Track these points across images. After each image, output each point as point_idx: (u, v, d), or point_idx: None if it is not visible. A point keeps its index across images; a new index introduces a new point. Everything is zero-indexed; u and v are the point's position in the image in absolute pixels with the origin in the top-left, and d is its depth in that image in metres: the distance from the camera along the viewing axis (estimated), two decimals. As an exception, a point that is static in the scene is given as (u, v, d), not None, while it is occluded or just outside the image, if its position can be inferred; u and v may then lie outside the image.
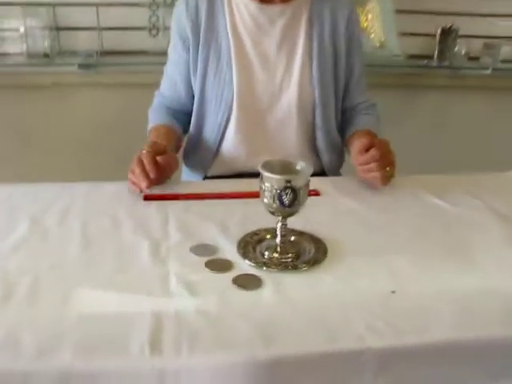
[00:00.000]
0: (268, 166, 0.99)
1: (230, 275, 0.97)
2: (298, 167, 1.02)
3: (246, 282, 0.95)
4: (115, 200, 1.26)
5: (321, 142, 1.54)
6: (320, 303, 0.91)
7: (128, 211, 1.21)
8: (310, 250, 1.06)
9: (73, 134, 2.23)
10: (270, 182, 0.98)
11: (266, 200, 1.00)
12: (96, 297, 0.91)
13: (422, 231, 1.15)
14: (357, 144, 1.34)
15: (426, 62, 2.29)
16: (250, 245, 1.06)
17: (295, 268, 1.00)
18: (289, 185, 0.96)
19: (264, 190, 0.99)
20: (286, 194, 0.97)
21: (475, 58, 2.32)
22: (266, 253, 1.03)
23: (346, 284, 0.96)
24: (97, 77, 2.14)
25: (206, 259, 1.02)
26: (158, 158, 1.26)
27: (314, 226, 1.13)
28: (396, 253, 1.06)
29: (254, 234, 1.10)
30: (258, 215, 1.08)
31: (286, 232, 1.04)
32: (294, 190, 0.97)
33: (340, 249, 1.06)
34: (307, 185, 1.00)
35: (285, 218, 1.02)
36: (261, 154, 1.46)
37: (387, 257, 1.04)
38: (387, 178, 1.28)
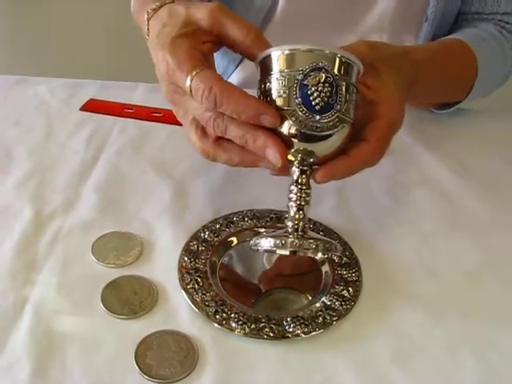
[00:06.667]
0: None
1: (137, 330, 0.48)
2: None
3: (158, 359, 0.45)
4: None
5: None
6: None
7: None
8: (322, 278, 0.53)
9: None
10: (285, 62, 0.47)
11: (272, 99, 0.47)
12: None
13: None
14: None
15: None
16: (206, 252, 0.55)
17: (277, 334, 0.47)
18: (321, 65, 0.46)
19: (268, 81, 0.47)
20: (317, 86, 0.46)
21: None
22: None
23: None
24: None
25: (112, 277, 0.52)
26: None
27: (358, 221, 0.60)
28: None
29: (226, 222, 0.58)
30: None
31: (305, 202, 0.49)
32: (333, 81, 0.46)
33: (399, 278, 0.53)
34: (355, 85, 0.48)
35: (307, 154, 0.48)
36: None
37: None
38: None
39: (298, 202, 0.48)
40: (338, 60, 0.47)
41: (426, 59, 0.64)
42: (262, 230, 0.57)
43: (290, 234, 0.48)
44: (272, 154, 0.46)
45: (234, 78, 0.92)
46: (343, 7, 0.81)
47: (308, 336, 0.47)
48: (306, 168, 0.49)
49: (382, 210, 0.62)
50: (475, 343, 0.48)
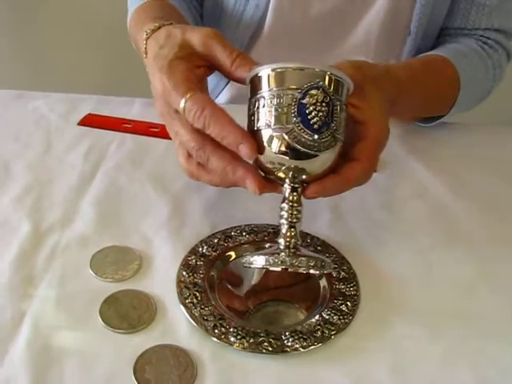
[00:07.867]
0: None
1: (136, 345, 0.48)
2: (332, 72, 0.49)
3: (158, 371, 0.45)
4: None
5: None
6: None
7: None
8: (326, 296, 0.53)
9: None
10: (281, 80, 0.48)
11: (262, 121, 0.48)
12: None
13: None
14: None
15: None
16: (204, 266, 0.55)
17: (275, 347, 0.48)
18: (320, 84, 0.47)
19: (263, 98, 0.48)
20: (315, 105, 0.46)
21: None
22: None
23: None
24: None
25: (110, 291, 0.52)
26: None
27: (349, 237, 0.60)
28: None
29: (224, 237, 0.58)
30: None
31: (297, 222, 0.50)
32: (330, 101, 0.47)
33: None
34: (346, 104, 0.50)
35: (299, 172, 0.48)
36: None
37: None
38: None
39: (290, 220, 0.49)
40: (333, 79, 0.47)
41: (407, 77, 0.66)
42: (262, 244, 0.57)
43: (282, 252, 0.48)
44: (252, 186, 0.49)
45: (225, 95, 0.93)
46: (330, 23, 0.83)
47: (306, 350, 0.47)
48: (297, 185, 0.49)
49: (378, 224, 0.62)
50: (472, 357, 0.48)
